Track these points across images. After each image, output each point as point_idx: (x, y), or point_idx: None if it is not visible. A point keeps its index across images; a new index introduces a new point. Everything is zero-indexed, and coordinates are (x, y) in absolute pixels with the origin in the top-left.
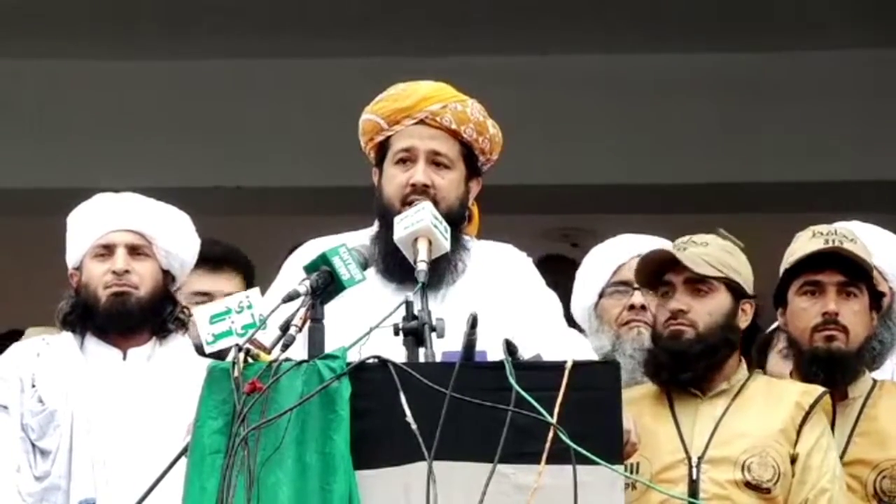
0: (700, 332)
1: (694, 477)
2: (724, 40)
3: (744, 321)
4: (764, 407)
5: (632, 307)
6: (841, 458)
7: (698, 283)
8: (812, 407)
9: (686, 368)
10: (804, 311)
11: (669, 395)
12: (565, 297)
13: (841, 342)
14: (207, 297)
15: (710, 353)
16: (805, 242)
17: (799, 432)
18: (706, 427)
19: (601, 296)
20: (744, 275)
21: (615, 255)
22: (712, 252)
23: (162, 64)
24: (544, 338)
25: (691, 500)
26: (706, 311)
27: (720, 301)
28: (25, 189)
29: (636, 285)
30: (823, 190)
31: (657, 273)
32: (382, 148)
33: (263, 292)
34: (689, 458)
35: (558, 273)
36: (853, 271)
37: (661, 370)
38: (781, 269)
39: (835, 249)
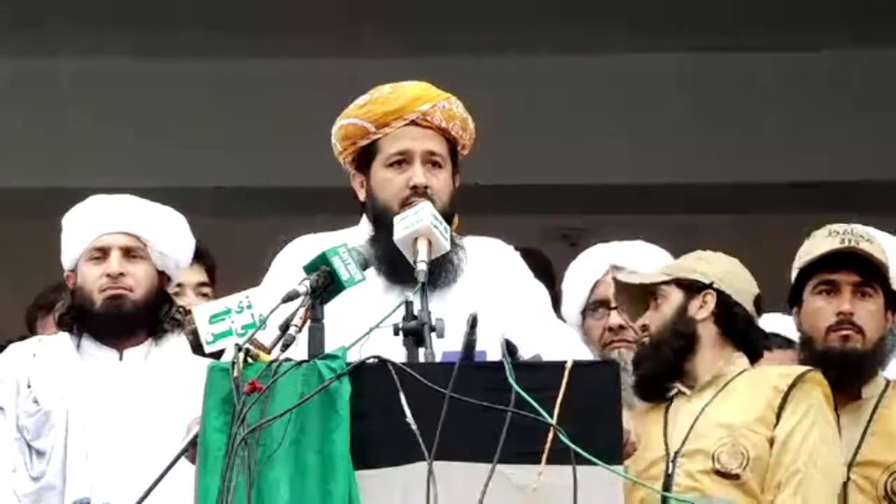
0: (653, 336)
1: (669, 471)
2: (726, 39)
3: (701, 313)
4: (745, 396)
5: (611, 329)
6: (853, 458)
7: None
8: (790, 388)
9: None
10: (819, 311)
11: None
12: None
13: (856, 342)
14: (179, 288)
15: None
16: (821, 241)
17: (779, 415)
18: (686, 422)
19: (584, 315)
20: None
21: (590, 271)
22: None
23: (160, 64)
24: (537, 332)
25: (663, 493)
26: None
27: (672, 301)
28: (18, 189)
29: (613, 304)
30: (823, 190)
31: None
32: (366, 152)
33: None
34: (668, 454)
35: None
36: (869, 271)
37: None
38: (795, 268)
39: (851, 249)
